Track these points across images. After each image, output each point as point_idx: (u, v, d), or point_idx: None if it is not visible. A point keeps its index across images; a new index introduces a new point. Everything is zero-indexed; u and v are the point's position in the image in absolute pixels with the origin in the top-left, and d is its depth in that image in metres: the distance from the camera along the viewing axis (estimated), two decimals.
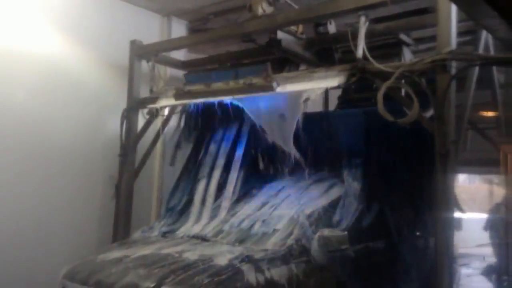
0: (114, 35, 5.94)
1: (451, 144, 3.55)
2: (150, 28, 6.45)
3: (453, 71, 3.60)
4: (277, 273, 3.45)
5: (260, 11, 4.83)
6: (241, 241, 3.99)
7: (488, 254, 8.49)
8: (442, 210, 3.55)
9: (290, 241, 3.77)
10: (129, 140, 5.68)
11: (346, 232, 3.81)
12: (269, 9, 4.85)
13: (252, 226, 4.16)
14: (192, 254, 3.69)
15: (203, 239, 4.19)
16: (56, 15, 5.40)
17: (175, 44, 5.98)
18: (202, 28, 6.71)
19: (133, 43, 5.80)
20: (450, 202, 3.57)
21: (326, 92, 6.04)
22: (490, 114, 5.11)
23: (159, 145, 6.19)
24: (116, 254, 3.91)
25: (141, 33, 6.01)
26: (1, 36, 4.97)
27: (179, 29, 6.71)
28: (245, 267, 3.36)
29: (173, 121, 5.80)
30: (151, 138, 5.80)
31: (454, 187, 3.64)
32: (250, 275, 3.32)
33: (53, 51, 5.36)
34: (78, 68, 5.61)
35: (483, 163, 6.06)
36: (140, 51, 5.78)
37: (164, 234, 4.51)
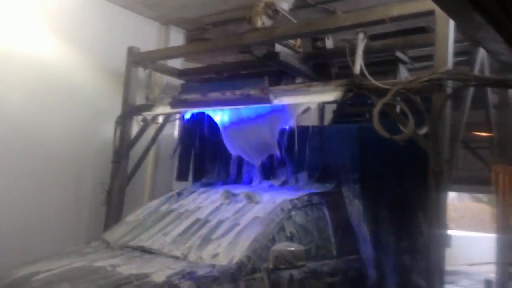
0: (111, 41, 5.93)
1: (445, 162, 3.58)
2: (148, 36, 6.45)
3: (449, 90, 3.65)
4: None
5: (259, 24, 4.87)
6: (187, 254, 3.64)
7: (478, 273, 8.55)
8: (434, 227, 3.57)
9: (241, 256, 3.43)
10: (123, 147, 5.66)
11: (302, 247, 3.59)
12: (268, 22, 4.89)
13: (207, 238, 3.82)
14: (127, 268, 3.35)
15: (146, 251, 3.84)
16: (54, 19, 5.38)
17: (173, 53, 5.99)
18: (199, 37, 6.74)
19: (130, 50, 5.81)
20: (443, 219, 3.59)
21: (322, 106, 6.11)
22: (482, 134, 5.18)
23: (152, 152, 6.16)
24: (43, 265, 3.56)
25: (139, 40, 6.02)
26: None
27: (177, 38, 6.72)
28: (184, 285, 3.09)
29: (167, 129, 5.79)
30: (144, 145, 5.78)
31: (446, 204, 3.67)
32: None
33: (49, 55, 5.34)
34: (74, 72, 5.59)
35: (473, 182, 6.12)
36: (137, 58, 5.79)
37: (107, 244, 4.18)
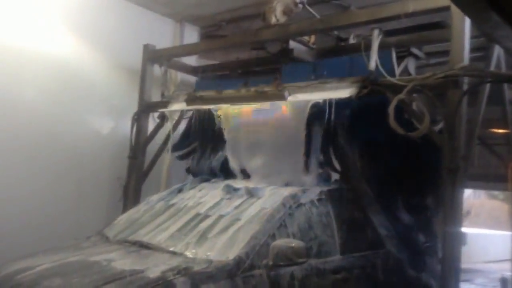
0: (127, 39, 6.02)
1: (461, 159, 3.56)
2: (163, 33, 6.52)
3: (465, 87, 3.62)
4: None
5: (273, 20, 4.88)
6: (185, 250, 3.56)
7: (494, 270, 8.46)
8: (450, 224, 3.56)
9: (239, 252, 3.32)
10: (139, 143, 5.73)
11: (303, 244, 3.46)
12: (282, 19, 4.90)
13: (205, 233, 3.72)
14: (122, 263, 3.30)
15: (144, 246, 3.77)
16: (71, 17, 5.48)
17: (189, 50, 6.04)
18: (213, 34, 6.77)
19: (146, 47, 5.87)
20: (458, 216, 3.58)
21: None
22: (499, 130, 5.12)
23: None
24: (37, 260, 3.51)
25: (154, 38, 6.09)
26: (16, 36, 5.05)
27: (191, 35, 6.78)
28: (179, 281, 3.00)
29: (183, 125, 5.84)
30: (160, 141, 5.84)
31: (462, 202, 3.65)
32: None
33: (66, 52, 5.44)
34: (91, 70, 5.69)
35: (489, 179, 6.07)
36: (152, 56, 5.85)
37: (106, 238, 4.13)
